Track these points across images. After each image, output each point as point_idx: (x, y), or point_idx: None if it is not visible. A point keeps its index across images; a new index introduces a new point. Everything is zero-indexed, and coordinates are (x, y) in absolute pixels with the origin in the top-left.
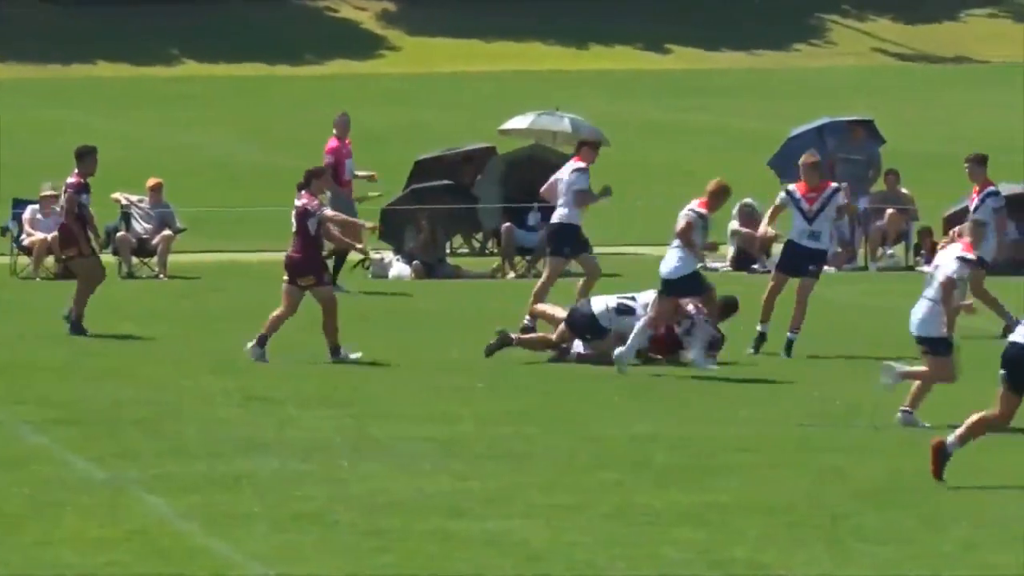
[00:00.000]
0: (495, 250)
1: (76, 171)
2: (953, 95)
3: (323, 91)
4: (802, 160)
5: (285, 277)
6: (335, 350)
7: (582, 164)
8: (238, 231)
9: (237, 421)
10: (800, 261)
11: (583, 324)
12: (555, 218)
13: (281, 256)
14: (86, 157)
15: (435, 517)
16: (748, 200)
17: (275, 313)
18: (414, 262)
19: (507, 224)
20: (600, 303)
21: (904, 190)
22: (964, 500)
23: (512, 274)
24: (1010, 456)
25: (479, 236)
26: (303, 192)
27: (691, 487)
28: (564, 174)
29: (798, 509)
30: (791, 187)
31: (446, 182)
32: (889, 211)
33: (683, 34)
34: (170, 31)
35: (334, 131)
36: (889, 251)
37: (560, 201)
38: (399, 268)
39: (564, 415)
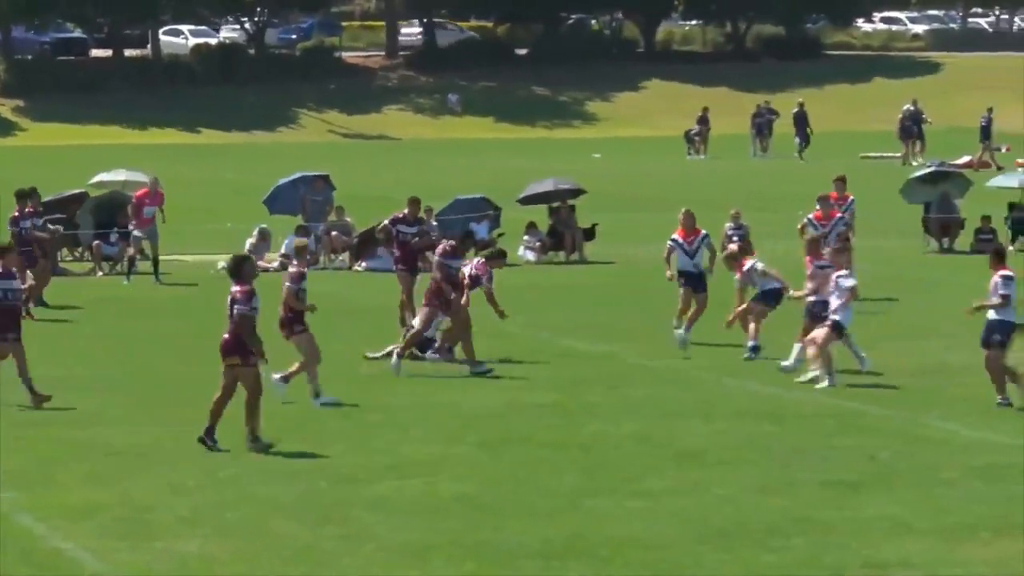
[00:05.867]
0: (89, 258)
1: None
2: (377, 159)
3: None
4: (682, 212)
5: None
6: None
7: None
8: None
9: None
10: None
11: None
12: None
13: None
14: None
15: None
16: (264, 226)
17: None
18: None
19: (96, 242)
20: None
21: (348, 218)
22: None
23: (100, 273)
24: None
25: (79, 250)
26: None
27: None
28: None
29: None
30: (675, 235)
31: (58, 215)
32: (334, 232)
33: (207, 120)
34: None
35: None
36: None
37: None
38: None
39: None
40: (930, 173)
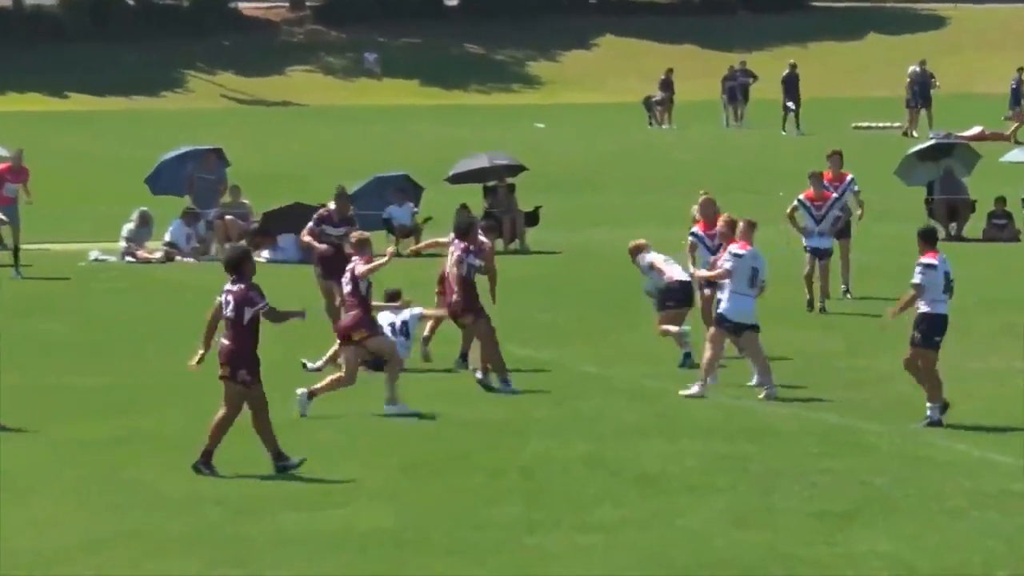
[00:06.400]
0: None
1: None
2: (280, 129)
3: None
4: (701, 200)
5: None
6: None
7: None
8: None
9: None
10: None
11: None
12: None
13: None
14: None
15: None
16: (145, 208)
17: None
18: None
19: None
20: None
21: (245, 200)
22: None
23: None
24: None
25: None
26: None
27: None
28: None
29: None
30: (695, 229)
31: None
32: (228, 217)
33: (77, 83)
34: None
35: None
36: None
37: None
38: None
39: None
40: (931, 147)
